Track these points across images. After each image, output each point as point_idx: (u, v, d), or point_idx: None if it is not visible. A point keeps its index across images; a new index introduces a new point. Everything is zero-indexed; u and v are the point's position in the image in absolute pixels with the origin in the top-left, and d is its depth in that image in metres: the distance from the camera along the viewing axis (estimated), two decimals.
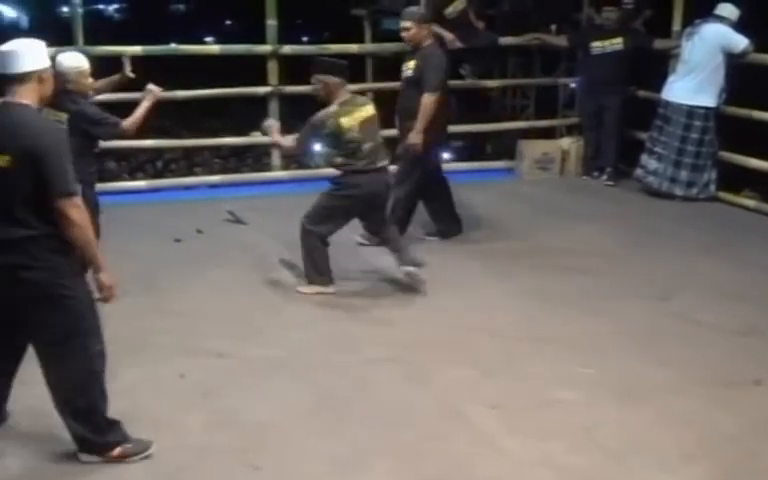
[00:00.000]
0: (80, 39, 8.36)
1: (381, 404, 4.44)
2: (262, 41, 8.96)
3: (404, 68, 7.00)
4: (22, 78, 3.60)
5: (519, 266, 6.51)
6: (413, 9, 7.33)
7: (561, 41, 9.64)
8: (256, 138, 9.04)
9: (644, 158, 8.68)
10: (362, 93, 9.67)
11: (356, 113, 5.74)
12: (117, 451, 3.87)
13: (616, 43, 8.95)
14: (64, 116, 5.35)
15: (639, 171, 8.74)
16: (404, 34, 6.86)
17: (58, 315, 3.64)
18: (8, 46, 3.68)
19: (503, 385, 4.66)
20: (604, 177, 9.15)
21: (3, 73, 3.61)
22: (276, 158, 9.21)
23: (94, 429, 3.83)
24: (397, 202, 6.64)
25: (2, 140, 3.53)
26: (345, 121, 5.68)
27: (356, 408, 4.38)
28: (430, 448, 4.05)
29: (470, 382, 4.66)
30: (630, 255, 6.83)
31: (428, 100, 6.61)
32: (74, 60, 5.63)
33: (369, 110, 5.84)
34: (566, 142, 9.59)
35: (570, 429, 4.21)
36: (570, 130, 10.03)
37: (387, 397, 4.51)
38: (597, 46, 9.01)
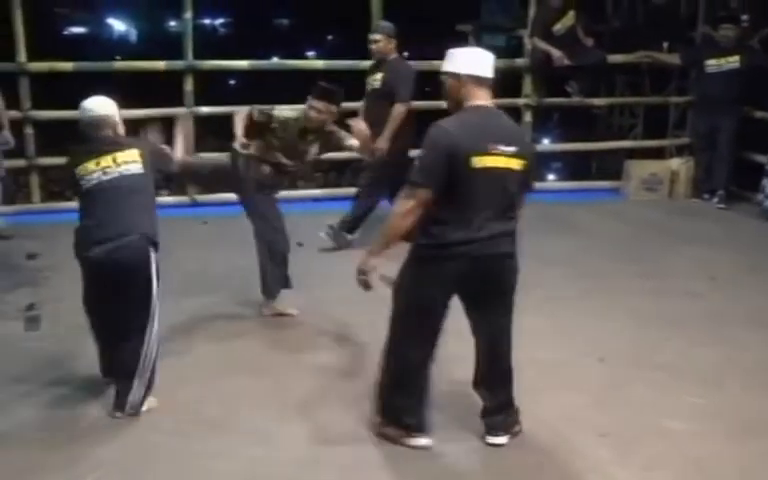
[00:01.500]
0: (190, 53, 8.52)
1: (482, 428, 4.31)
2: (364, 56, 8.96)
3: (370, 80, 7.23)
4: (491, 82, 3.88)
5: (628, 289, 6.30)
6: (385, 23, 7.43)
7: (673, 59, 9.37)
8: (355, 152, 9.06)
9: (765, 182, 8.33)
10: None
11: None
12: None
13: (732, 61, 8.65)
14: None
15: (760, 196, 8.38)
16: (374, 46, 7.14)
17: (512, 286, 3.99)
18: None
19: (612, 412, 4.48)
20: (716, 200, 8.83)
21: (486, 76, 3.85)
22: None
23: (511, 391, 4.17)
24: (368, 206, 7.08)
25: (520, 144, 3.84)
26: None
27: (456, 431, 4.26)
28: (539, 474, 3.91)
29: (579, 408, 4.50)
30: (745, 281, 6.54)
31: (400, 110, 6.88)
32: None
33: None
34: (676, 163, 9.30)
35: (679, 461, 4.04)
36: (680, 150, 9.73)
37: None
38: (712, 64, 8.74)
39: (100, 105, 4.46)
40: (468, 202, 3.73)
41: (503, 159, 3.77)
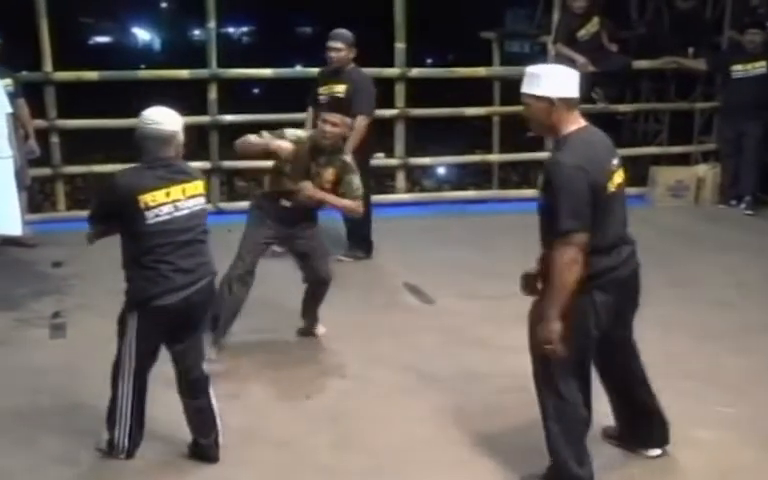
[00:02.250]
0: (213, 62, 8.55)
1: (510, 434, 4.28)
2: (387, 64, 8.96)
3: (325, 90, 6.82)
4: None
5: (655, 297, 6.13)
6: (344, 31, 7.02)
7: (699, 64, 9.29)
8: (380, 160, 9.05)
9: None
10: (489, 117, 9.70)
11: None
12: None
13: (759, 67, 8.57)
14: None
15: None
16: (334, 55, 6.78)
17: None
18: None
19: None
20: (743, 206, 8.74)
21: (576, 96, 3.67)
22: (400, 180, 9.18)
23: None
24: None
25: (616, 153, 3.75)
26: None
27: (484, 437, 4.24)
28: None
29: (605, 415, 4.44)
30: None
31: (363, 123, 6.60)
32: None
33: None
34: (702, 169, 9.22)
35: (708, 471, 4.01)
36: (706, 157, 9.65)
37: (517, 427, 4.34)
38: (739, 69, 8.67)
39: (169, 119, 3.84)
40: (608, 226, 3.60)
41: (620, 173, 3.69)
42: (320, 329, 5.50)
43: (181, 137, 3.86)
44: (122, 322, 3.86)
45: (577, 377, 3.74)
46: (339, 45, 6.78)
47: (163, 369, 4.03)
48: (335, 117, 5.20)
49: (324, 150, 5.19)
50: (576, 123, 3.65)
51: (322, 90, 6.85)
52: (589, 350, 3.74)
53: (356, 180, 5.25)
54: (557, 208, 3.48)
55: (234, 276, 5.12)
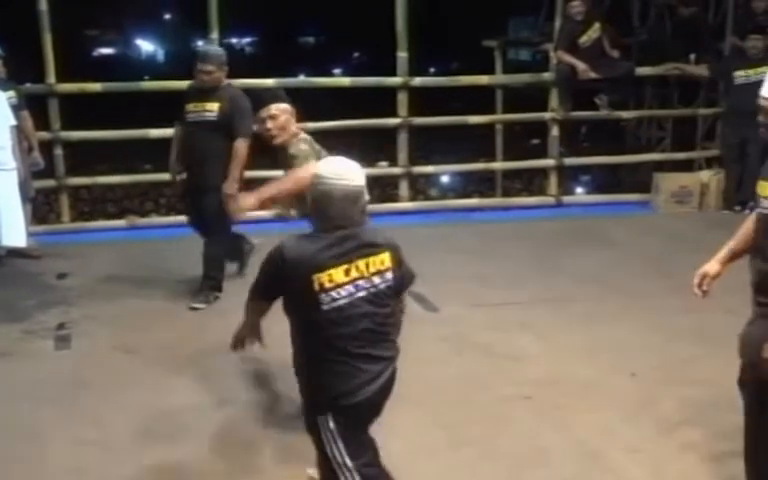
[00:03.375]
0: None
1: (515, 443, 4.27)
2: (389, 73, 8.98)
3: (195, 108, 6.21)
4: None
5: (660, 305, 6.21)
6: (214, 50, 6.66)
7: (702, 71, 9.31)
8: (384, 169, 9.08)
9: None
10: (492, 125, 9.72)
11: None
12: None
13: (761, 72, 8.50)
14: None
15: None
16: (206, 77, 6.15)
17: None
18: None
19: (644, 429, 4.42)
20: (747, 212, 8.67)
21: None
22: (404, 189, 9.19)
23: None
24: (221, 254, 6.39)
25: None
26: None
27: (489, 447, 4.24)
28: None
29: (609, 424, 4.45)
30: None
31: (243, 145, 6.06)
32: None
33: None
34: (706, 175, 9.21)
35: (711, 479, 3.97)
36: (709, 163, 9.64)
37: (521, 436, 4.34)
38: (741, 75, 8.65)
39: (355, 172, 3.10)
40: None
41: None
42: None
43: (367, 195, 3.18)
44: (315, 429, 3.13)
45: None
46: (210, 67, 6.17)
47: None
48: (273, 108, 4.39)
49: (280, 150, 4.44)
50: None
51: (191, 107, 6.25)
52: None
53: (295, 150, 4.35)
54: None
55: None
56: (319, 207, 3.07)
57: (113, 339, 4.40)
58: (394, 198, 9.39)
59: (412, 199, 9.36)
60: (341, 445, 3.07)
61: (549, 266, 6.84)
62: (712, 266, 3.76)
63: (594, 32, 8.81)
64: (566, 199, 9.40)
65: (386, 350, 3.15)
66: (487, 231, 8.19)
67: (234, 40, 26.83)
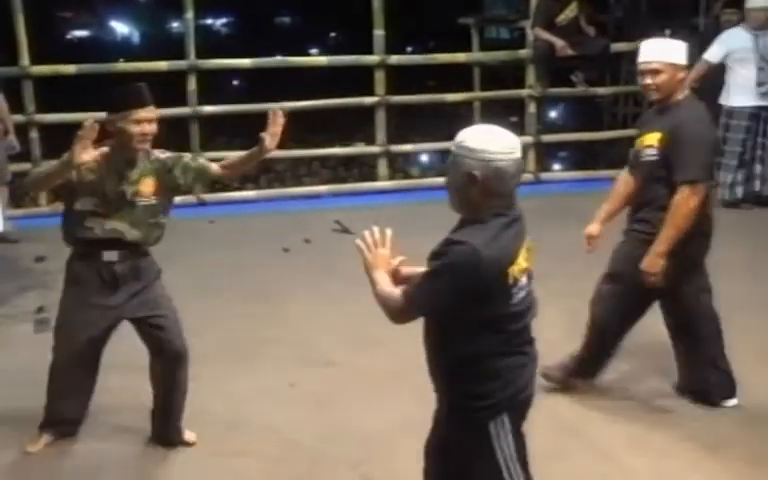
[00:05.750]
0: (192, 53, 8.53)
1: None
2: (366, 52, 8.97)
3: None
4: None
5: None
6: None
7: None
8: (362, 148, 9.06)
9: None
10: (470, 103, 9.72)
11: None
12: None
13: None
14: None
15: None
16: None
17: None
18: None
19: (626, 401, 4.51)
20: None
21: None
22: (383, 168, 9.19)
23: None
24: None
25: None
26: None
27: None
28: (551, 467, 3.89)
29: (592, 397, 4.50)
30: (759, 269, 6.51)
31: None
32: None
33: None
34: None
35: (693, 448, 4.05)
36: None
37: None
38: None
39: (515, 140, 2.69)
40: None
41: None
42: (189, 435, 4.16)
43: None
44: (481, 436, 2.76)
45: None
46: None
47: None
48: (148, 111, 3.78)
49: (134, 160, 3.84)
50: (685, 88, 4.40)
51: None
52: None
53: (188, 157, 4.02)
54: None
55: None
56: (491, 187, 2.62)
57: None
58: (373, 177, 9.40)
59: (391, 178, 9.37)
60: (512, 444, 2.77)
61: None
62: (594, 227, 4.53)
63: (571, 11, 8.81)
64: (544, 176, 9.44)
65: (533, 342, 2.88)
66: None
67: (210, 21, 26.63)
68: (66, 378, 4.01)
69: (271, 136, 3.86)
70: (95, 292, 3.86)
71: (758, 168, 8.18)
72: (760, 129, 8.09)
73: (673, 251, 4.11)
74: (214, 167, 4.02)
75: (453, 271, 2.61)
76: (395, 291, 2.82)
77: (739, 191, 8.17)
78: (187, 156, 4.03)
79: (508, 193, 2.65)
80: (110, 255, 3.82)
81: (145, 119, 3.74)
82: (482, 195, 2.63)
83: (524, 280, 2.70)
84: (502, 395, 2.72)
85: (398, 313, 2.79)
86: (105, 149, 3.76)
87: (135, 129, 3.72)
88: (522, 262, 2.67)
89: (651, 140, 4.22)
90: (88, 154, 3.55)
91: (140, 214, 3.83)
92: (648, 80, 4.30)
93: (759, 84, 8.02)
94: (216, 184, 9.56)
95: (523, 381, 2.79)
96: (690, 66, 8.58)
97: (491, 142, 2.63)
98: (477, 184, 2.61)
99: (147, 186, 3.84)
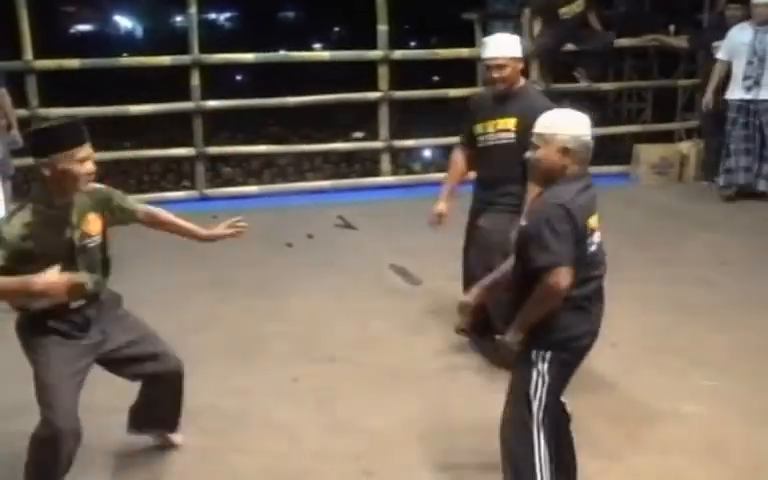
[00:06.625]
0: (195, 48, 8.53)
1: (495, 415, 4.30)
2: (369, 47, 8.96)
3: None
4: None
5: (641, 275, 6.26)
6: None
7: (681, 42, 9.33)
8: (365, 143, 9.04)
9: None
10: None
11: None
12: None
13: None
14: None
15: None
16: None
17: None
18: None
19: (625, 397, 4.48)
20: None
21: None
22: (386, 163, 9.19)
23: None
24: None
25: None
26: None
27: (469, 417, 4.27)
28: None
29: (589, 393, 4.48)
30: (756, 265, 6.49)
31: None
32: None
33: None
34: (685, 146, 9.27)
35: (693, 444, 4.03)
36: (689, 134, 9.69)
37: (500, 408, 4.37)
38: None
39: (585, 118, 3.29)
40: None
41: None
42: (177, 437, 4.09)
43: None
44: (527, 362, 3.21)
45: None
46: None
47: None
48: (88, 148, 3.40)
49: (70, 202, 3.45)
50: None
51: None
52: None
53: (122, 196, 3.72)
54: None
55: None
56: (579, 157, 3.17)
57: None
58: (376, 172, 9.40)
59: (394, 173, 9.37)
60: (544, 390, 3.20)
61: None
62: (441, 206, 5.06)
63: (578, 6, 8.76)
64: None
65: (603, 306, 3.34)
66: (468, 204, 8.19)
67: (213, 15, 26.61)
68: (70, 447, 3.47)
69: (216, 234, 3.90)
70: (71, 335, 3.47)
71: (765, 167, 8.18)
72: (750, 122, 8.10)
73: None
74: (140, 214, 3.72)
75: (555, 229, 3.05)
76: (533, 292, 3.13)
77: (741, 178, 8.22)
78: (119, 194, 3.67)
79: (586, 161, 3.19)
80: (76, 302, 3.45)
81: (87, 157, 3.37)
82: (571, 163, 3.14)
83: (596, 237, 3.20)
84: (550, 335, 3.16)
85: (554, 287, 3.08)
86: (29, 207, 3.37)
87: (80, 169, 3.33)
88: (595, 220, 3.18)
89: (506, 124, 4.76)
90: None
91: (94, 255, 3.51)
92: (495, 74, 4.76)
93: (745, 78, 8.02)
94: (218, 179, 9.63)
95: (580, 330, 3.22)
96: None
97: (578, 123, 3.20)
98: (569, 154, 3.13)
99: (92, 224, 3.49)
